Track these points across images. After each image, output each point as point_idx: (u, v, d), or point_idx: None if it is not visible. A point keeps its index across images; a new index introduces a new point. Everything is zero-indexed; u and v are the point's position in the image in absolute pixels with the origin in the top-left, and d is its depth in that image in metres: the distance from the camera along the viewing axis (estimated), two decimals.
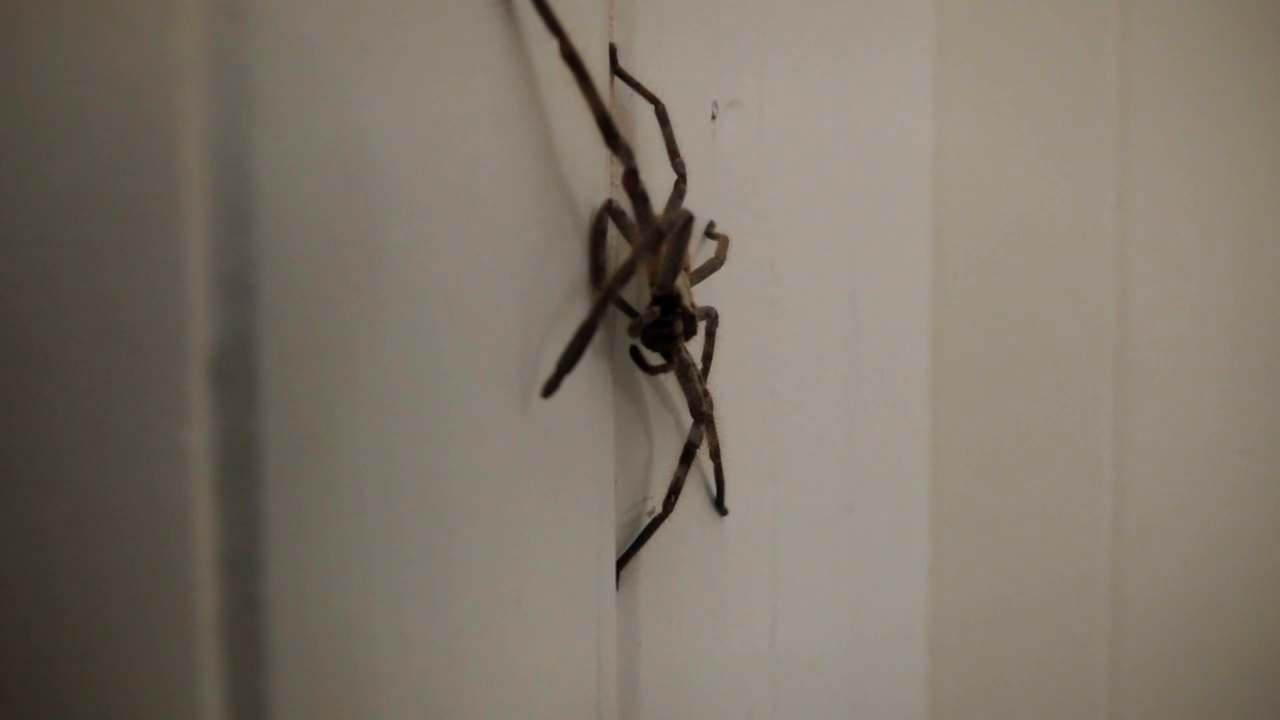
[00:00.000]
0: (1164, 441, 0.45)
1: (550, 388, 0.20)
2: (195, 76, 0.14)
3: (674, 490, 0.25)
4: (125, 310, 0.14)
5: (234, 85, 0.14)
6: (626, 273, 0.21)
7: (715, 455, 0.28)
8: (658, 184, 0.25)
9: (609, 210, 0.24)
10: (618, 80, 0.25)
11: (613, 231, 0.24)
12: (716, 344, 0.28)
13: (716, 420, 0.28)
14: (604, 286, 0.22)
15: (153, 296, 0.14)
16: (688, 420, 0.26)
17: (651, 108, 0.25)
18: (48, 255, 0.14)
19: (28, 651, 0.15)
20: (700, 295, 0.28)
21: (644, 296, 0.24)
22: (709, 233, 0.29)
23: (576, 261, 0.23)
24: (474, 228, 0.20)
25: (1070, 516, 0.44)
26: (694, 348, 0.27)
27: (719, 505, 0.29)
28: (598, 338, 0.23)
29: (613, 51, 0.25)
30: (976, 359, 0.42)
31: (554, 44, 0.20)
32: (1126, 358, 0.44)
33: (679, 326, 0.24)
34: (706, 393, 0.27)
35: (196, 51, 0.14)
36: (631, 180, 0.22)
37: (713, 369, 0.28)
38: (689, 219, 0.22)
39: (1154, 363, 0.44)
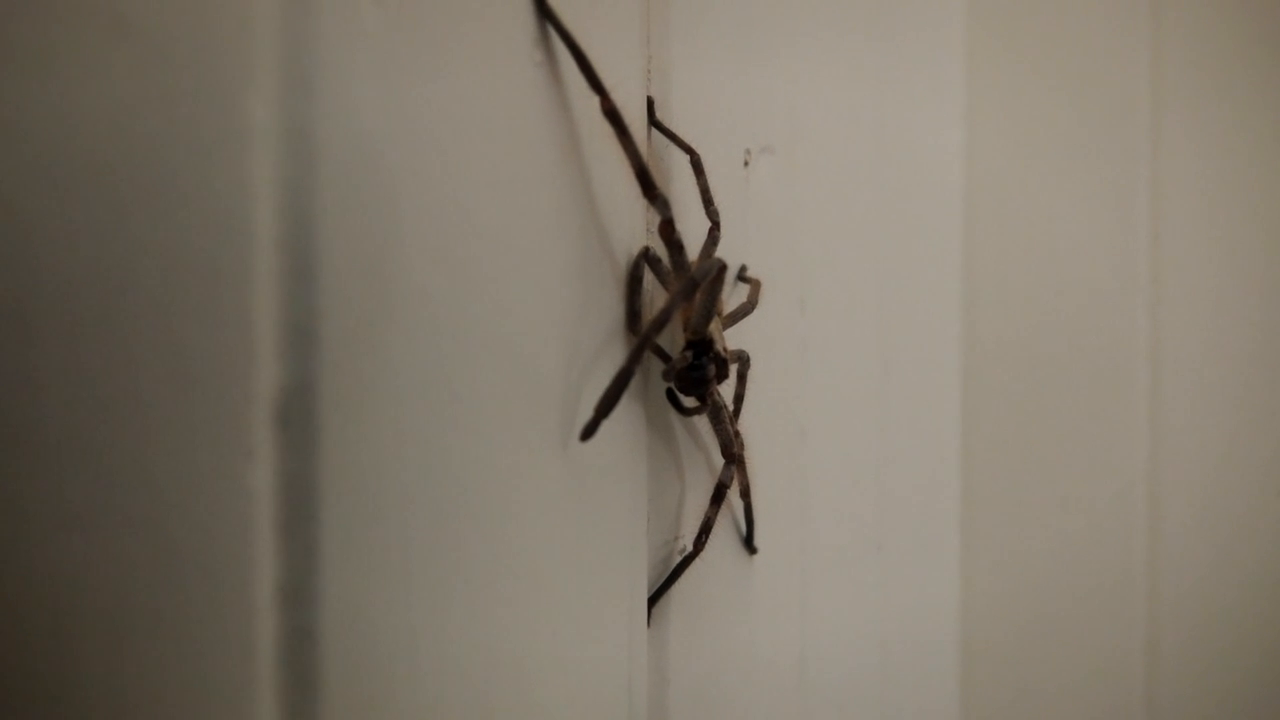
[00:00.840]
0: (1198, 475, 0.44)
1: (588, 431, 0.21)
2: (266, 141, 0.15)
3: (705, 529, 0.26)
4: (198, 357, 0.15)
5: (301, 149, 0.15)
6: (662, 320, 0.21)
7: (745, 495, 0.28)
8: (693, 230, 0.26)
9: (646, 257, 0.25)
10: (655, 131, 0.26)
11: (649, 277, 0.25)
12: (748, 385, 0.29)
13: (747, 460, 0.28)
14: (641, 333, 0.23)
15: (224, 344, 0.15)
16: (719, 460, 0.27)
17: (687, 157, 0.26)
18: (128, 305, 0.15)
19: (95, 675, 0.15)
20: (732, 336, 0.29)
21: (678, 341, 0.25)
22: (741, 276, 0.30)
23: (614, 307, 0.24)
24: (517, 276, 0.21)
25: (1103, 555, 0.44)
26: (725, 389, 0.28)
27: (748, 544, 0.30)
28: (633, 381, 0.24)
29: (650, 104, 0.26)
30: (1007, 397, 0.42)
31: (595, 100, 0.21)
32: (1160, 392, 0.44)
33: (712, 370, 0.24)
34: (738, 433, 0.27)
35: (268, 118, 0.15)
36: (668, 229, 0.23)
37: (744, 410, 0.29)
38: (722, 268, 0.23)
39: (1188, 394, 0.44)
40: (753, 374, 0.29)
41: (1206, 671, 0.46)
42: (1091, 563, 0.43)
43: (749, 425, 0.30)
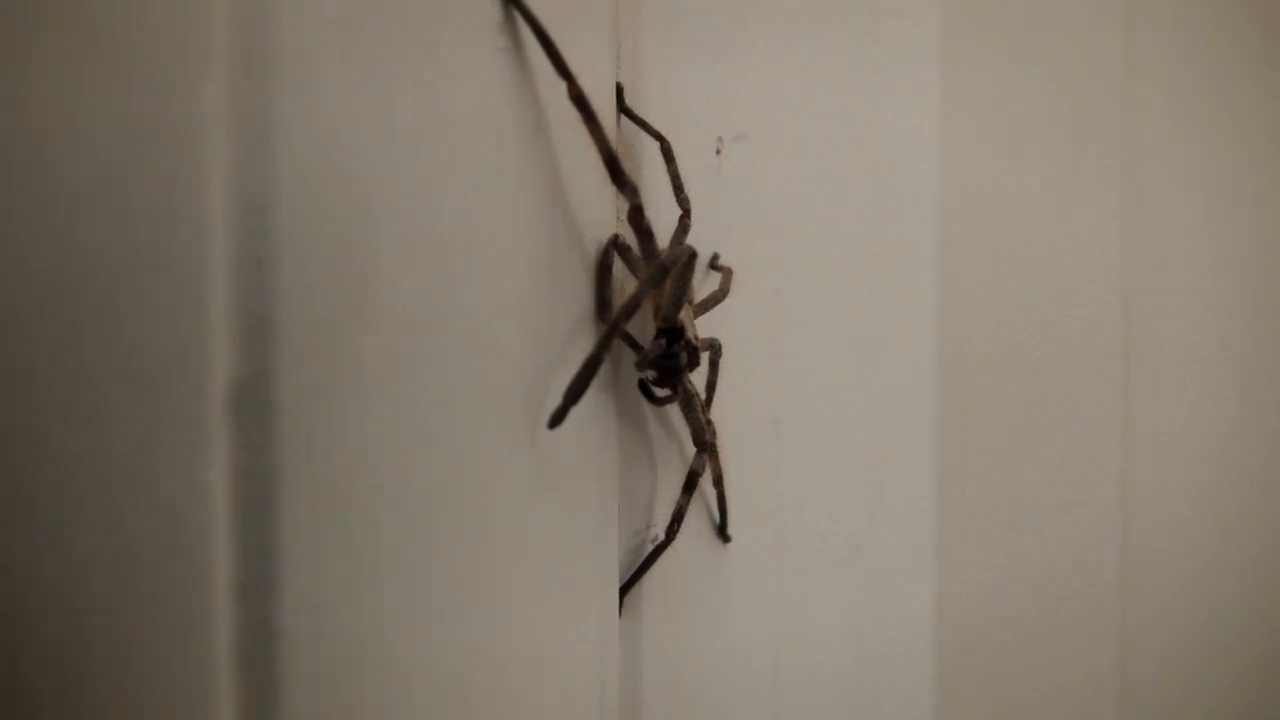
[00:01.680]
0: (1173, 477, 0.45)
1: (556, 419, 0.20)
2: (219, 128, 0.15)
3: (677, 518, 0.26)
4: (151, 348, 0.14)
5: (255, 135, 0.15)
6: (631, 307, 0.21)
7: (718, 483, 0.28)
8: (663, 218, 0.26)
9: (615, 245, 0.24)
10: (625, 118, 0.26)
11: (618, 265, 0.25)
12: (720, 374, 0.28)
13: (720, 449, 0.28)
14: (610, 320, 0.23)
15: (178, 334, 0.15)
16: (691, 449, 0.27)
17: (658, 145, 0.26)
18: (79, 298, 0.14)
19: (52, 672, 0.15)
20: (704, 324, 0.29)
21: (649, 329, 0.25)
22: (713, 264, 0.30)
23: (583, 295, 0.24)
24: (483, 264, 0.20)
25: (1079, 557, 0.44)
26: (698, 378, 0.28)
27: (722, 533, 0.30)
28: (602, 370, 0.23)
29: (619, 91, 0.26)
30: (984, 392, 0.43)
31: (563, 86, 0.21)
32: (1135, 391, 0.44)
33: (684, 358, 0.24)
34: (709, 422, 0.27)
35: (221, 105, 0.15)
36: (636, 217, 0.23)
37: (717, 398, 0.29)
38: (692, 255, 0.22)
39: (1163, 393, 0.44)
40: (726, 363, 0.29)
41: (1180, 674, 0.47)
42: (1067, 565, 0.43)
43: (722, 414, 0.29)
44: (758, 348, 0.32)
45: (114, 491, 0.15)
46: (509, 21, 0.21)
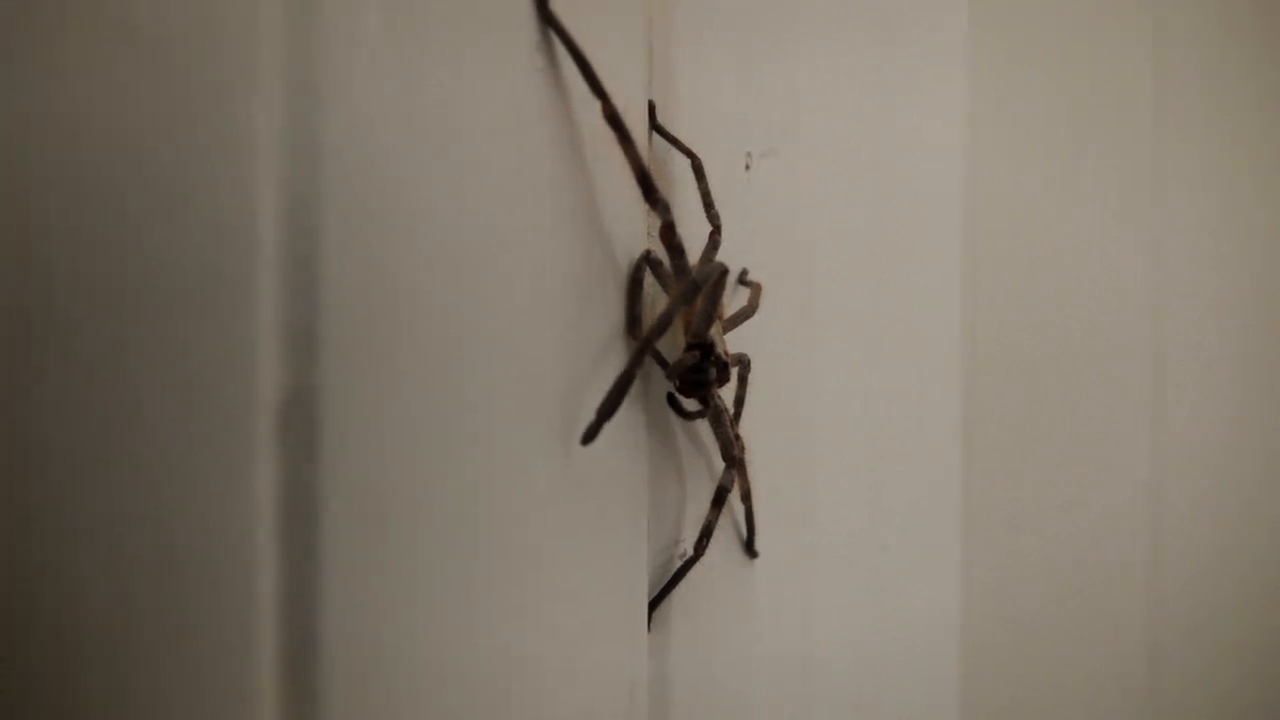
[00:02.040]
0: (1199, 477, 0.44)
1: (589, 435, 0.21)
2: (270, 145, 0.15)
3: (705, 533, 0.26)
4: (200, 362, 0.15)
5: (304, 154, 0.15)
6: (663, 325, 0.21)
7: (746, 498, 0.28)
8: (694, 234, 0.26)
9: (647, 261, 0.25)
10: (656, 135, 0.26)
11: (650, 281, 0.25)
12: (748, 388, 0.29)
13: (748, 464, 0.28)
14: (641, 337, 0.23)
15: (226, 349, 0.15)
16: (719, 464, 0.27)
17: (689, 161, 0.26)
18: (131, 309, 0.15)
19: (97, 684, 0.15)
20: (733, 339, 0.29)
21: (679, 345, 0.25)
22: (743, 280, 0.30)
23: (615, 310, 0.24)
24: (519, 281, 0.21)
25: (1105, 556, 0.44)
26: (726, 393, 0.28)
27: (749, 548, 0.30)
28: (633, 386, 0.24)
29: (651, 109, 0.26)
30: (1009, 400, 0.42)
31: (597, 105, 0.21)
32: (1163, 394, 0.44)
33: (713, 373, 0.24)
34: (738, 436, 0.27)
35: (272, 123, 0.15)
36: (668, 233, 0.23)
37: (745, 413, 0.29)
38: (723, 272, 0.23)
39: (1190, 396, 0.44)
40: (755, 377, 0.29)
41: (1209, 672, 0.46)
42: (1094, 564, 0.43)
43: (751, 429, 0.30)
44: (786, 361, 0.32)
45: (162, 502, 0.15)
46: (546, 42, 0.21)
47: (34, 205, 0.15)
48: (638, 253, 0.25)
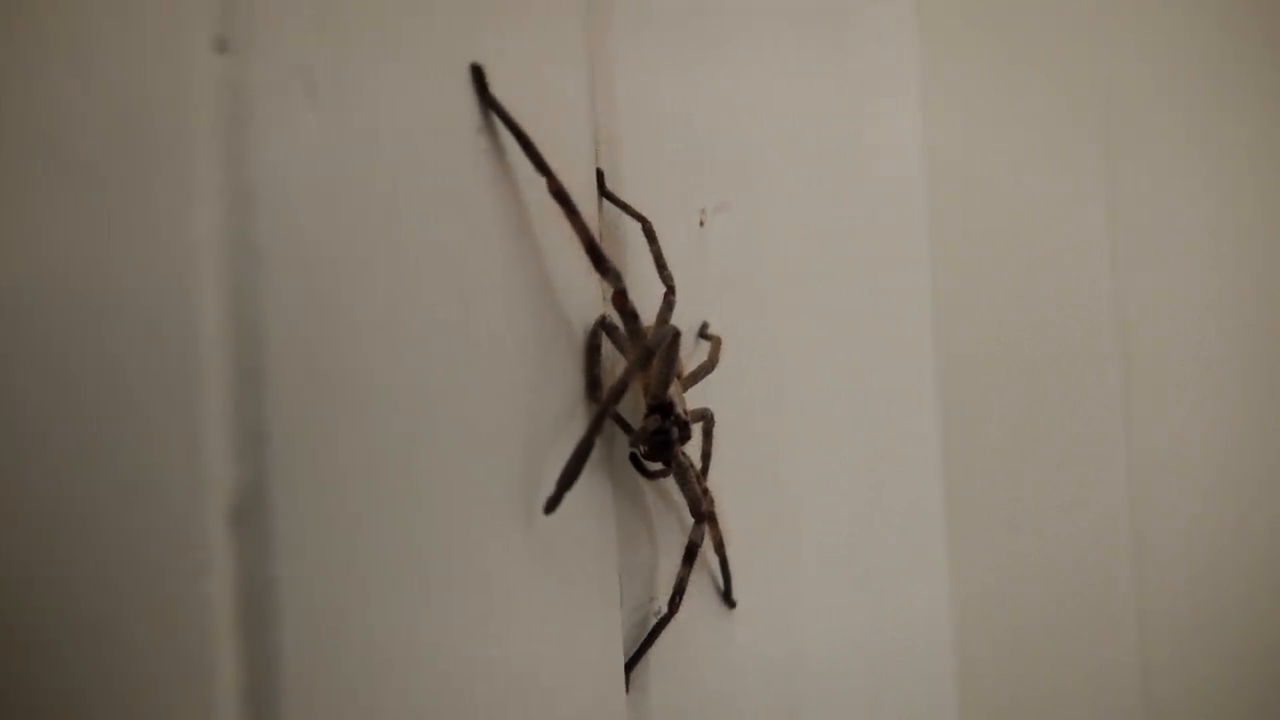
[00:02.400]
0: (1179, 475, 0.45)
1: (551, 505, 0.21)
2: (212, 252, 0.16)
3: (679, 590, 0.26)
4: (149, 467, 0.15)
5: (245, 256, 0.16)
6: (619, 391, 0.22)
7: (720, 549, 0.29)
8: (650, 295, 0.27)
9: (602, 326, 0.25)
10: (607, 201, 0.27)
11: (607, 345, 0.25)
12: (714, 442, 0.29)
13: (721, 515, 0.28)
14: (600, 403, 0.24)
15: (177, 450, 0.15)
16: (690, 520, 0.27)
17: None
18: (80, 421, 0.15)
19: None
20: (700, 391, 0.29)
21: (639, 406, 0.25)
22: (702, 334, 0.31)
23: (574, 377, 0.24)
24: (473, 357, 0.21)
25: (1090, 553, 0.44)
26: (693, 448, 0.28)
27: (727, 598, 0.30)
28: (596, 448, 0.24)
29: (600, 176, 0.27)
30: (983, 428, 0.43)
31: (543, 180, 0.22)
32: (1132, 392, 0.44)
33: (675, 434, 0.25)
34: (706, 490, 0.27)
35: (213, 230, 0.16)
36: (620, 300, 0.23)
37: (716, 464, 0.29)
38: (676, 335, 0.23)
39: (1161, 393, 0.45)
40: (723, 429, 0.30)
41: (1199, 667, 0.46)
42: (1081, 563, 0.43)
43: (722, 480, 0.30)
44: (754, 411, 0.33)
45: (116, 605, 0.15)
46: (489, 124, 0.22)
47: None
48: (594, 317, 0.25)
